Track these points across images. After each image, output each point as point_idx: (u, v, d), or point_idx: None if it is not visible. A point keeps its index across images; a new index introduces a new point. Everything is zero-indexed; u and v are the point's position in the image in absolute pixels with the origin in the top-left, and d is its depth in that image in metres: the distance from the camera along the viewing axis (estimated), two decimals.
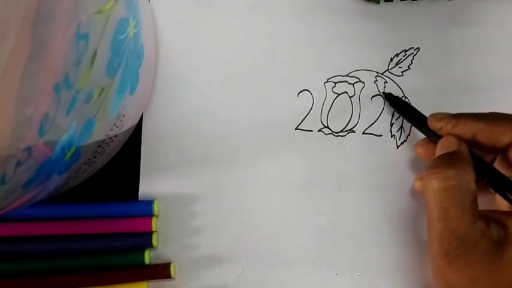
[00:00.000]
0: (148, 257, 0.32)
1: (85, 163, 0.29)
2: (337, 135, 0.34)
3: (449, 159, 0.28)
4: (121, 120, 0.30)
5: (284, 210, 0.33)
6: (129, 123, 0.32)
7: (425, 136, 0.32)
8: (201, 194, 0.34)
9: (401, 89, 0.35)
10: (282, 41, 0.35)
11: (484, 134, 0.28)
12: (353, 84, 0.35)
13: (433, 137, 0.31)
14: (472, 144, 0.29)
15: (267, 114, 0.34)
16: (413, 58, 0.35)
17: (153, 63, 0.34)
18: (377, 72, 0.35)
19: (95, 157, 0.30)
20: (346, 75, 0.35)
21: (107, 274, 0.31)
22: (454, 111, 0.35)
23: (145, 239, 0.32)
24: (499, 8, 0.35)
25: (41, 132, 0.21)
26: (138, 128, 0.34)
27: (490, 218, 0.27)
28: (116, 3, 0.24)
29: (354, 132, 0.34)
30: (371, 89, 0.35)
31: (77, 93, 0.23)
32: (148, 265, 0.32)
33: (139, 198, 0.33)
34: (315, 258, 0.33)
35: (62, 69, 0.21)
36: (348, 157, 0.34)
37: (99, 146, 0.29)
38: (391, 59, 0.35)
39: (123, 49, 0.26)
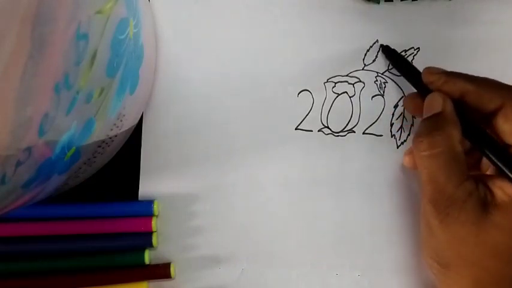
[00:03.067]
0: (148, 257, 0.32)
1: (85, 163, 0.29)
2: (337, 135, 0.34)
3: (434, 124, 0.28)
4: (121, 120, 0.30)
5: (284, 210, 0.33)
6: (129, 123, 0.32)
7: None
8: (201, 194, 0.34)
9: (401, 89, 0.35)
10: (282, 41, 0.35)
11: (472, 96, 0.28)
12: (353, 84, 0.35)
13: (423, 91, 0.31)
14: (460, 105, 0.29)
15: (267, 114, 0.34)
16: (413, 58, 0.35)
17: (153, 63, 0.34)
18: (377, 72, 0.35)
19: (95, 157, 0.30)
20: (346, 75, 0.35)
21: (107, 274, 0.32)
22: None
23: (145, 239, 0.32)
24: (499, 8, 0.35)
25: (41, 132, 0.21)
26: (138, 128, 0.34)
27: (479, 180, 0.28)
28: (116, 3, 0.24)
29: (354, 132, 0.34)
30: (371, 89, 0.35)
31: (77, 93, 0.23)
32: (148, 265, 0.32)
33: (139, 198, 0.33)
34: (315, 258, 0.33)
35: (62, 69, 0.21)
36: (348, 157, 0.34)
37: (99, 146, 0.29)
38: None
39: (123, 49, 0.26)
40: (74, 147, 0.25)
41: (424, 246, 0.29)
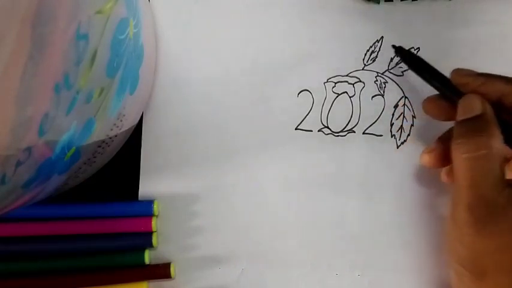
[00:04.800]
0: (148, 257, 0.32)
1: (85, 163, 0.29)
2: (337, 135, 0.34)
3: (477, 126, 0.27)
4: (121, 120, 0.30)
5: (284, 210, 0.33)
6: (129, 123, 0.32)
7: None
8: (201, 194, 0.34)
9: (401, 88, 0.35)
10: (282, 41, 0.35)
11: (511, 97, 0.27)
12: (353, 84, 0.35)
13: (451, 94, 0.29)
14: (498, 107, 0.28)
15: (267, 114, 0.34)
16: None
17: (153, 63, 0.34)
18: (377, 72, 0.35)
19: (95, 157, 0.30)
20: (346, 75, 0.35)
21: (107, 274, 0.32)
22: None
23: (145, 239, 0.32)
24: (499, 8, 0.35)
25: (41, 132, 0.21)
26: (138, 128, 0.34)
27: None
28: (116, 3, 0.24)
29: (354, 132, 0.34)
30: (371, 89, 0.35)
31: (77, 93, 0.23)
32: (148, 265, 0.32)
33: (139, 198, 0.33)
34: (315, 258, 0.33)
35: (62, 69, 0.21)
36: (348, 157, 0.34)
37: (99, 146, 0.29)
38: (392, 59, 0.35)
39: (123, 49, 0.26)
40: (74, 147, 0.25)
41: (453, 255, 0.28)
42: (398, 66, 0.35)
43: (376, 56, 0.35)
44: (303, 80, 0.35)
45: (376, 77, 0.35)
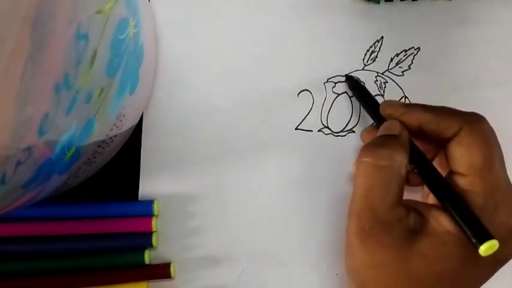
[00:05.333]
0: (148, 257, 0.32)
1: (85, 163, 0.29)
2: (337, 135, 0.34)
3: (387, 140, 0.28)
4: (121, 120, 0.30)
5: (284, 210, 0.33)
6: (129, 123, 0.32)
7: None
8: (201, 194, 0.34)
9: (401, 88, 0.35)
10: (282, 41, 0.35)
11: (430, 124, 0.28)
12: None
13: (380, 123, 0.30)
14: (418, 135, 0.29)
15: (267, 114, 0.34)
16: (413, 58, 0.35)
17: (153, 63, 0.34)
18: (377, 72, 0.35)
19: (95, 157, 0.30)
20: (347, 76, 0.35)
21: (107, 274, 0.32)
22: None
23: (145, 239, 0.32)
24: (499, 8, 0.35)
25: (41, 132, 0.21)
26: (138, 128, 0.34)
27: (412, 207, 0.27)
28: (116, 3, 0.24)
29: (354, 132, 0.34)
30: (371, 89, 0.35)
31: (77, 93, 0.23)
32: (148, 265, 0.32)
33: (139, 198, 0.33)
34: (315, 258, 0.33)
35: (62, 69, 0.21)
36: (348, 157, 0.34)
37: (99, 146, 0.29)
38: (392, 59, 0.35)
39: (123, 49, 0.26)
40: (74, 147, 0.25)
41: (345, 262, 0.28)
42: (398, 66, 0.35)
43: (376, 56, 0.35)
44: (303, 80, 0.35)
45: (376, 77, 0.35)
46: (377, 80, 0.35)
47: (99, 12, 0.22)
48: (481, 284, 0.27)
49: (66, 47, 0.20)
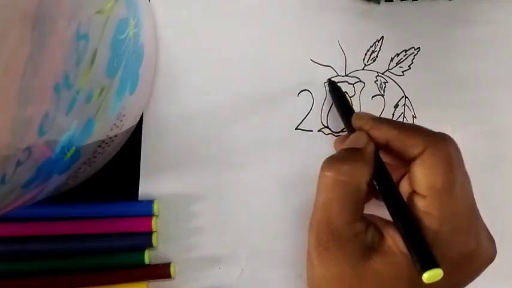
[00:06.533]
0: (148, 257, 0.32)
1: (85, 163, 0.29)
2: (337, 135, 0.34)
3: (350, 155, 0.28)
4: (121, 120, 0.30)
5: (284, 210, 0.33)
6: (129, 123, 0.32)
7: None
8: (201, 194, 0.34)
9: (401, 88, 0.35)
10: (282, 41, 0.35)
11: (396, 142, 0.28)
12: (353, 84, 0.35)
13: (351, 133, 0.30)
14: (387, 151, 0.29)
15: (267, 114, 0.34)
16: (414, 58, 0.35)
17: (153, 63, 0.34)
18: (377, 72, 0.35)
19: (95, 157, 0.30)
20: (346, 75, 0.35)
21: (107, 274, 0.32)
22: (454, 110, 0.35)
23: (145, 239, 0.32)
24: (499, 8, 0.35)
25: (41, 132, 0.21)
26: (138, 128, 0.34)
27: (372, 223, 0.27)
28: (116, 3, 0.24)
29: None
30: (371, 89, 0.35)
31: (77, 93, 0.23)
32: (148, 265, 0.32)
33: (139, 198, 0.33)
34: None
35: (62, 69, 0.21)
36: None
37: (99, 146, 0.29)
38: (392, 59, 0.35)
39: (123, 49, 0.26)
40: (74, 147, 0.25)
41: (306, 272, 0.29)
42: (398, 66, 0.35)
43: (377, 56, 0.35)
44: (303, 80, 0.35)
45: (376, 77, 0.35)
46: (377, 80, 0.35)
47: (99, 12, 0.22)
48: None
49: (66, 47, 0.20)
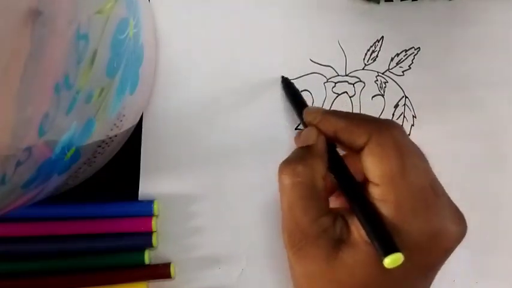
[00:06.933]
0: (148, 257, 0.32)
1: (85, 163, 0.29)
2: None
3: (301, 155, 0.28)
4: (121, 120, 0.30)
5: None
6: (129, 123, 0.32)
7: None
8: (201, 194, 0.34)
9: (402, 88, 0.35)
10: (282, 41, 0.35)
11: (344, 133, 0.28)
12: (353, 84, 0.35)
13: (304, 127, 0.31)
14: (338, 143, 0.29)
15: (267, 114, 0.34)
16: (414, 58, 0.35)
17: (153, 63, 0.34)
18: (377, 72, 0.35)
19: (95, 157, 0.30)
20: (346, 75, 0.35)
21: (107, 274, 0.32)
22: (454, 110, 0.35)
23: (145, 239, 0.32)
24: (499, 8, 0.35)
25: (41, 132, 0.21)
26: (138, 128, 0.34)
27: (340, 215, 0.27)
28: (116, 3, 0.24)
29: None
30: (371, 89, 0.35)
31: (77, 93, 0.23)
32: (148, 265, 0.32)
33: (139, 198, 0.33)
34: None
35: (62, 69, 0.21)
36: None
37: (99, 146, 0.29)
38: (392, 59, 0.35)
39: (123, 49, 0.26)
40: (73, 147, 0.25)
41: (290, 276, 0.29)
42: (398, 66, 0.35)
43: (377, 56, 0.35)
44: (303, 80, 0.35)
45: (376, 76, 0.35)
46: (377, 80, 0.35)
47: (99, 12, 0.22)
48: None
49: (66, 47, 0.20)
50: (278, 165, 0.34)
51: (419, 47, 0.35)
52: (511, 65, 0.35)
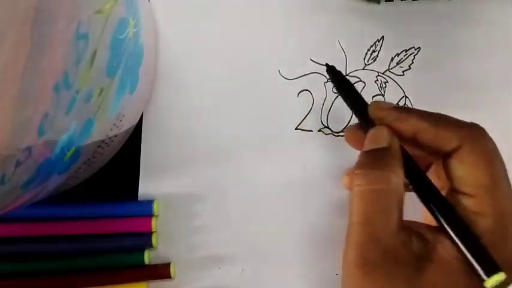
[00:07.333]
0: (148, 257, 0.32)
1: (85, 163, 0.29)
2: (337, 135, 0.34)
3: (379, 158, 0.25)
4: (121, 120, 0.30)
5: (284, 210, 0.33)
6: (129, 123, 0.32)
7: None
8: (201, 194, 0.34)
9: (402, 88, 0.35)
10: (282, 41, 0.35)
11: (426, 135, 0.25)
12: (353, 84, 0.35)
13: (367, 125, 0.27)
14: (412, 143, 0.26)
15: (267, 114, 0.34)
16: (414, 58, 0.35)
17: (153, 63, 0.34)
18: (378, 72, 0.35)
19: (95, 157, 0.30)
20: (347, 75, 0.35)
21: (107, 274, 0.31)
22: (454, 111, 0.35)
23: (145, 239, 0.32)
24: (499, 8, 0.35)
25: (41, 132, 0.21)
26: (138, 128, 0.34)
27: (413, 230, 0.25)
28: (116, 3, 0.24)
29: None
30: (371, 88, 0.35)
31: (77, 93, 0.23)
32: (148, 265, 0.32)
33: (139, 198, 0.33)
34: (315, 258, 0.33)
35: (62, 69, 0.21)
36: (348, 157, 0.34)
37: (99, 146, 0.29)
38: (392, 59, 0.35)
39: (123, 49, 0.26)
40: (73, 147, 0.25)
41: None
42: (399, 65, 0.35)
43: (377, 56, 0.35)
44: (303, 80, 0.35)
45: (376, 76, 0.35)
46: (377, 80, 0.35)
47: (98, 11, 0.22)
48: None
49: (66, 46, 0.20)
50: (278, 165, 0.34)
51: (419, 47, 0.35)
52: (511, 65, 0.35)
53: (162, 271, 0.32)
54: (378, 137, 0.26)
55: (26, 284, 0.31)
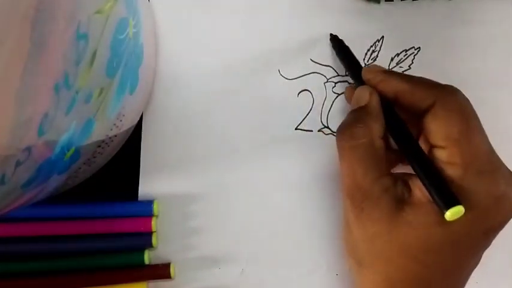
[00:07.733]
0: (147, 257, 0.32)
1: (84, 163, 0.29)
2: None
3: (357, 116, 0.28)
4: (121, 120, 0.30)
5: (284, 210, 0.33)
6: (129, 123, 0.32)
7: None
8: (201, 194, 0.34)
9: None
10: (282, 41, 0.35)
11: (406, 95, 0.28)
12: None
13: (358, 85, 0.31)
14: (397, 105, 0.29)
15: (267, 114, 0.34)
16: (414, 58, 0.35)
17: (153, 63, 0.34)
18: None
19: (95, 157, 0.30)
20: (346, 75, 0.35)
21: (107, 274, 0.32)
22: None
23: (145, 239, 0.32)
24: (499, 8, 0.35)
25: (41, 132, 0.21)
26: (138, 128, 0.34)
27: (400, 177, 0.28)
28: (116, 3, 0.24)
29: None
30: None
31: (77, 93, 0.23)
32: (148, 265, 0.32)
33: (139, 198, 0.33)
34: (315, 258, 0.33)
35: (62, 69, 0.21)
36: None
37: (99, 146, 0.29)
38: (392, 59, 0.35)
39: (123, 49, 0.26)
40: (73, 147, 0.25)
41: (344, 242, 0.29)
42: (399, 65, 0.35)
43: (377, 56, 0.35)
44: (303, 80, 0.35)
45: None
46: None
47: (98, 12, 0.22)
48: (473, 259, 0.27)
49: (66, 46, 0.20)
50: (278, 165, 0.34)
51: (419, 47, 0.35)
52: (511, 65, 0.35)
53: (162, 271, 0.32)
54: (360, 97, 0.29)
55: (26, 284, 0.31)
